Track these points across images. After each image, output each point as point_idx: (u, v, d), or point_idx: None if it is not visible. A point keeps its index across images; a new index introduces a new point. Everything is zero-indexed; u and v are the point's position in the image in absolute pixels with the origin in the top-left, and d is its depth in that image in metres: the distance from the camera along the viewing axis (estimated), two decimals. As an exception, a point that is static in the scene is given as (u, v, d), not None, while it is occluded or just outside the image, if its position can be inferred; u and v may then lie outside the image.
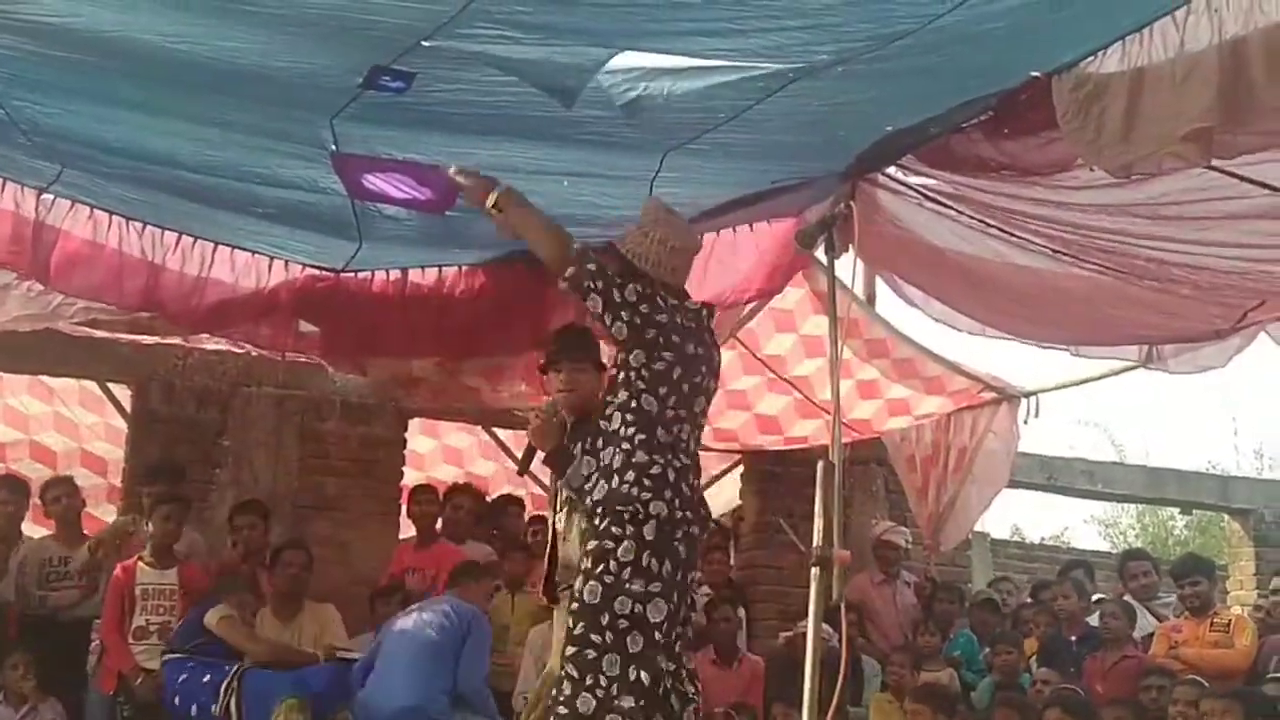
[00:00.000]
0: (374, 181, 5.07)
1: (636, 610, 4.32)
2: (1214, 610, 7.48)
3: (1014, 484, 8.82)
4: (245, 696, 6.06)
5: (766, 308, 7.11)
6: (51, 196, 5.49)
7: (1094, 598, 8.51)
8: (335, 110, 4.45)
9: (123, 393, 8.32)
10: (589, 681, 4.27)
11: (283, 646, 6.54)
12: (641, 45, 4.02)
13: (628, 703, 4.25)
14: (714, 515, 6.06)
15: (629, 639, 4.30)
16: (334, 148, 4.76)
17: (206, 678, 6.15)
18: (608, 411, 4.55)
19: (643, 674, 4.29)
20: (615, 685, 4.27)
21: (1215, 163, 4.07)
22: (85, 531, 7.47)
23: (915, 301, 6.04)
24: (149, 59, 4.02)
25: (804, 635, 3.64)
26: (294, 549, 6.92)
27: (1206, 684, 6.52)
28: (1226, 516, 12.53)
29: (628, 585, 4.32)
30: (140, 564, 6.78)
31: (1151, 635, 7.62)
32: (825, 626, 3.52)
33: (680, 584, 4.44)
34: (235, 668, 6.16)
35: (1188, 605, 7.43)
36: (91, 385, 8.57)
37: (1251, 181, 4.25)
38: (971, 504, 8.38)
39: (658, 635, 4.35)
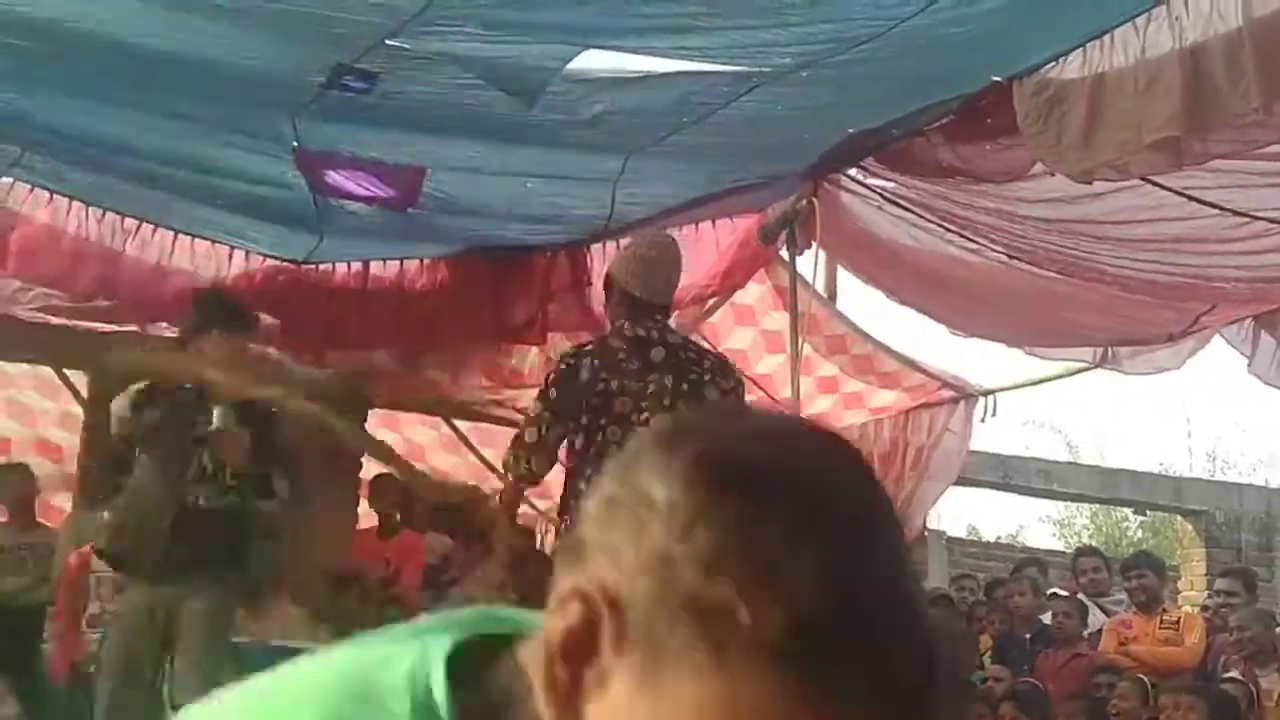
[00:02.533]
0: (336, 178, 5.05)
1: None
2: (1163, 607, 7.54)
3: (971, 482, 8.85)
4: None
5: (728, 302, 7.12)
6: (10, 180, 5.45)
7: (1049, 593, 8.56)
8: (298, 108, 4.43)
9: (79, 379, 8.22)
10: None
11: None
12: (606, 43, 4.02)
13: None
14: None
15: None
16: (296, 144, 4.75)
17: None
18: None
19: None
20: None
21: (1159, 180, 4.12)
22: (39, 519, 7.39)
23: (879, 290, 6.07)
24: (112, 50, 4.00)
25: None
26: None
27: (1148, 682, 6.57)
28: (1179, 517, 12.64)
29: None
30: (94, 552, 6.70)
31: (1100, 631, 7.68)
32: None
33: None
34: None
35: (1134, 599, 7.46)
36: (48, 371, 8.46)
37: (1199, 201, 4.30)
38: (925, 500, 8.42)
39: None
